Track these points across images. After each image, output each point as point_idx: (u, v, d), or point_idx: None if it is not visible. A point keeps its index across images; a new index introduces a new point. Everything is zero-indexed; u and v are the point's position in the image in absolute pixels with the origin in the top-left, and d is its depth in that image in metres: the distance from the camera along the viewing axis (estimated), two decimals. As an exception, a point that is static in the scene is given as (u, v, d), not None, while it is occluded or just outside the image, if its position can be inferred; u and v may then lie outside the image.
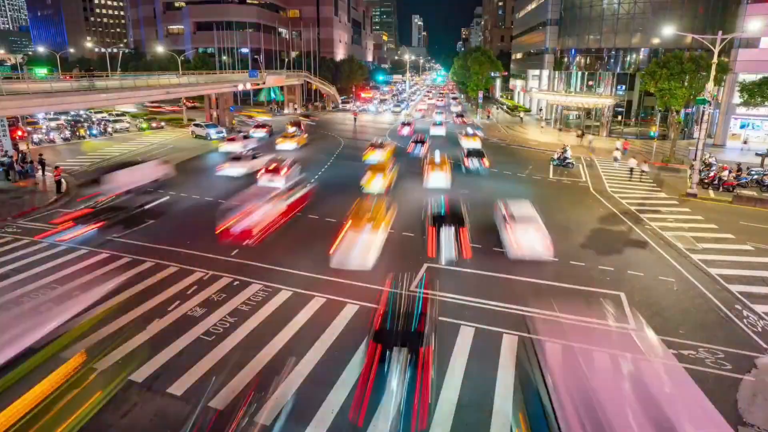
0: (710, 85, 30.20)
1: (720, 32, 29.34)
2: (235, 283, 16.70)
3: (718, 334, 14.04)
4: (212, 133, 48.32)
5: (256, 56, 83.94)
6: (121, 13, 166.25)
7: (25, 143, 38.42)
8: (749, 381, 11.96)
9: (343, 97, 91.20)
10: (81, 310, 12.69)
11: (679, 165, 38.48)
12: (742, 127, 47.49)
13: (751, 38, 44.18)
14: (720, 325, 14.63)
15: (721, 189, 30.27)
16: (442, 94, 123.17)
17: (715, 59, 29.29)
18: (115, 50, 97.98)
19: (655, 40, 49.49)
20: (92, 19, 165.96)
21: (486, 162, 34.17)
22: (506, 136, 52.93)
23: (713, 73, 29.60)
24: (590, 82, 56.58)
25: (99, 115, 61.25)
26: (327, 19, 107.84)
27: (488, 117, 69.81)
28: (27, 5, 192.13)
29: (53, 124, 52.33)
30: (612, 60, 53.65)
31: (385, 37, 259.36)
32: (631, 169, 33.97)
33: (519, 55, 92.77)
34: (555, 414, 8.27)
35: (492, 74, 76.99)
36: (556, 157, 38.04)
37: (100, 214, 21.77)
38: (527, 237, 18.47)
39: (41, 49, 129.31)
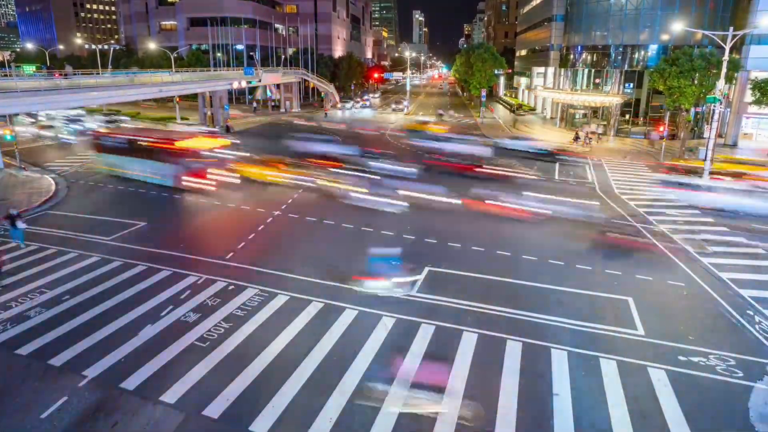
0: (721, 83, 30.29)
1: (731, 28, 29.44)
2: (230, 287, 16.75)
3: (729, 341, 14.05)
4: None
5: (251, 53, 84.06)
6: (112, 8, 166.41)
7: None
8: (761, 389, 11.97)
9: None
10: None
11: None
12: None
13: (764, 34, 44.24)
14: (731, 330, 14.65)
15: None
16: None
17: (726, 56, 29.37)
18: (106, 47, 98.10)
19: (664, 37, 49.57)
20: (82, 14, 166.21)
21: None
22: (510, 136, 52.98)
23: (724, 70, 29.69)
24: (597, 80, 56.66)
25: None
26: (325, 14, 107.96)
27: (485, 115, 69.82)
28: (15, 0, 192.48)
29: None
30: (619, 57, 53.73)
31: (384, 34, 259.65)
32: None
33: (523, 52, 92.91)
34: None
35: (495, 72, 76.99)
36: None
37: None
38: None
39: (30, 46, 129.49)
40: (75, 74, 42.62)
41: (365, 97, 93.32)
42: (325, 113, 71.15)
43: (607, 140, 50.21)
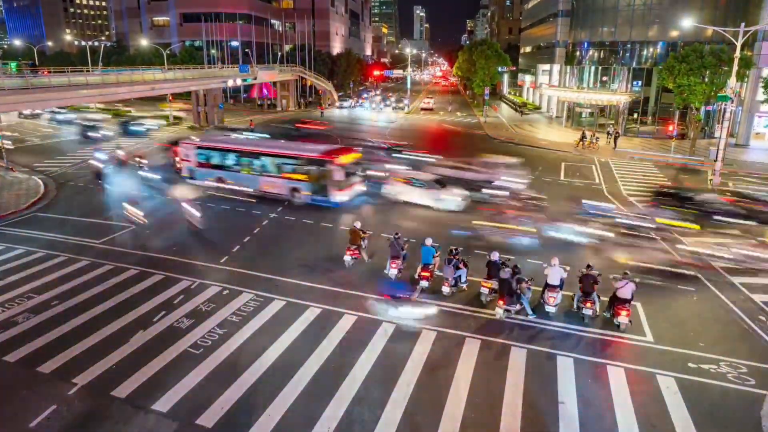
0: (732, 81, 30.38)
1: (743, 24, 29.53)
2: (225, 292, 16.78)
3: (740, 347, 14.07)
4: None
5: (247, 50, 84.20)
6: (103, 3, 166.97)
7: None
8: (774, 397, 11.99)
9: (339, 94, 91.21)
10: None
11: (698, 166, 38.59)
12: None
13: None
14: (743, 337, 14.67)
15: None
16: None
17: (737, 53, 29.47)
18: (96, 43, 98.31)
19: (674, 33, 49.70)
20: (72, 10, 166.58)
21: None
22: (514, 136, 53.11)
23: (735, 68, 29.78)
24: (604, 78, 56.79)
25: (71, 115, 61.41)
26: (323, 10, 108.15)
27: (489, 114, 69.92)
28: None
29: None
30: (627, 54, 53.85)
31: (384, 30, 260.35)
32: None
33: (528, 49, 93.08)
34: None
35: (499, 69, 77.12)
36: None
37: None
38: None
39: (17, 42, 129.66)
40: (64, 71, 42.62)
41: (364, 96, 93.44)
42: (321, 112, 71.01)
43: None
